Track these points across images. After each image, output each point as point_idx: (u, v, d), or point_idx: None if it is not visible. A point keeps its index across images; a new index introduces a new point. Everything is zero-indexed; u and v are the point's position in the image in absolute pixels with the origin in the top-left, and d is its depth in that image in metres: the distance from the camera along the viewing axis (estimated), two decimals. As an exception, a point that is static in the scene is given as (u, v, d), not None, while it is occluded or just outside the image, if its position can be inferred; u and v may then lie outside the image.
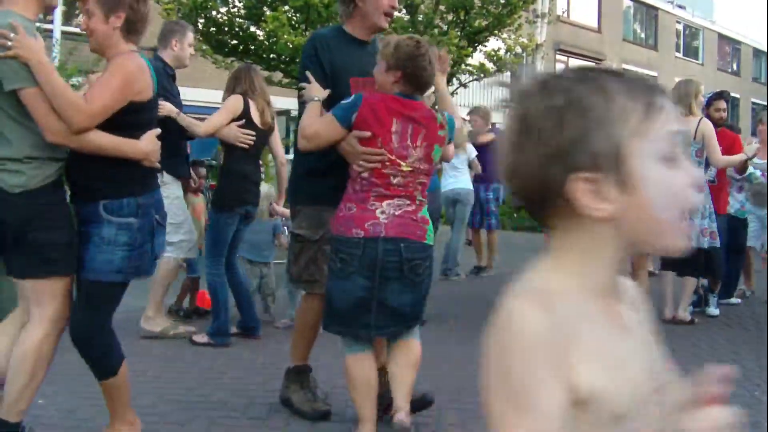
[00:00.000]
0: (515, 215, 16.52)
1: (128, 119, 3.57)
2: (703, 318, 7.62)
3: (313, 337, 4.59)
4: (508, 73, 22.11)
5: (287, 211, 7.48)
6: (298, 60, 13.77)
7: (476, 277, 10.29)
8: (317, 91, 4.14)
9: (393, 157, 3.86)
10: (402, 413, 3.99)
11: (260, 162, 6.54)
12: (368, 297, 3.87)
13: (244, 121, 6.07)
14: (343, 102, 3.97)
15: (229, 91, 6.28)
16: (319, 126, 4.00)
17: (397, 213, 3.88)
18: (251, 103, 6.16)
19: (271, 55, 14.44)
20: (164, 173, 5.80)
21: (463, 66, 14.83)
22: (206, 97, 16.21)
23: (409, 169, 3.90)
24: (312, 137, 4.03)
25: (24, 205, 3.44)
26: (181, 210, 6.16)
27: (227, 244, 6.29)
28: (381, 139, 3.86)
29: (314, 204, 4.35)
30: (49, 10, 3.81)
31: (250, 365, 5.65)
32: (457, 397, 4.79)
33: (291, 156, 8.49)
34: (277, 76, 14.90)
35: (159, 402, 4.64)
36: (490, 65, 15.78)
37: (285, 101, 22.39)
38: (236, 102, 6.12)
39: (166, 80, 5.82)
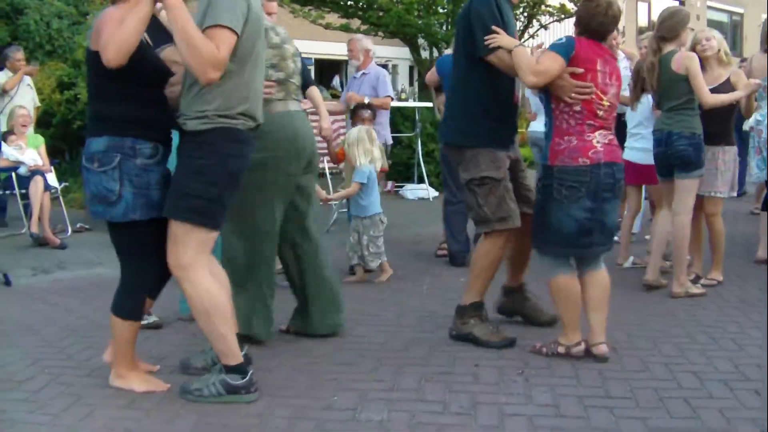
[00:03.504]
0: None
1: None
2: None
3: (495, 273, 4.97)
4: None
5: None
6: (375, 6, 13.75)
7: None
8: (512, 39, 4.65)
9: (598, 92, 4.46)
10: (603, 346, 4.58)
11: None
12: (591, 218, 4.48)
13: None
14: (558, 43, 4.55)
15: None
16: (548, 63, 4.47)
17: (606, 141, 4.51)
18: None
19: (349, 2, 14.33)
20: None
21: (543, 7, 14.52)
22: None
23: (608, 103, 4.53)
24: (542, 73, 4.46)
25: None
26: None
27: None
28: (590, 75, 4.46)
29: (488, 145, 4.78)
30: None
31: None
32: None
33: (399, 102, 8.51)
34: (355, 23, 14.81)
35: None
36: (570, 5, 15.42)
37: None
38: None
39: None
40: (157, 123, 3.98)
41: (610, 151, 4.50)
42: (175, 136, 4.08)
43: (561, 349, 4.60)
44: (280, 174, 4.70)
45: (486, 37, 4.64)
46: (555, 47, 4.52)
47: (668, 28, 5.98)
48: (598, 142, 4.47)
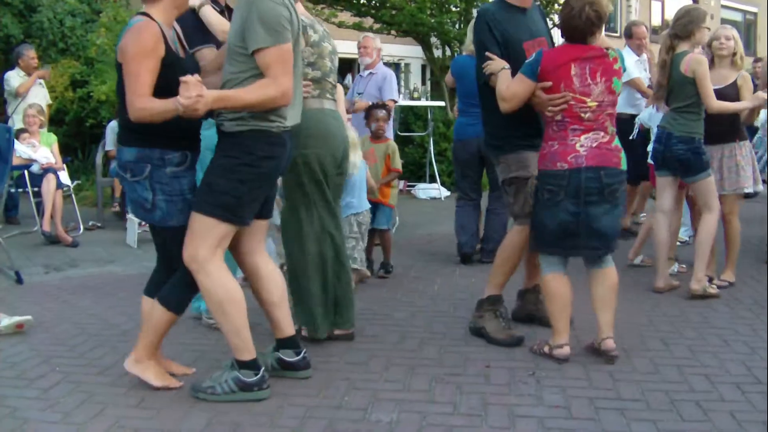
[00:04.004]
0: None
1: None
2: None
3: (516, 266, 5.05)
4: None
5: None
6: (388, 5, 13.75)
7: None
8: (501, 63, 4.71)
9: (578, 96, 4.43)
10: (610, 341, 4.54)
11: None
12: (575, 221, 4.46)
13: None
14: (527, 62, 4.59)
15: None
16: (515, 87, 4.57)
17: (594, 145, 4.46)
18: None
19: (362, 1, 14.34)
20: None
21: (555, 6, 14.50)
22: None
23: (595, 103, 4.46)
24: (511, 98, 4.60)
25: None
26: None
27: None
28: (563, 84, 4.44)
29: (517, 150, 4.83)
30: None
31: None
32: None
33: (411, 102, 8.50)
34: (368, 21, 14.82)
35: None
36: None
37: (375, 47, 22.39)
38: None
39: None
40: (184, 131, 3.97)
41: (596, 155, 4.45)
42: (205, 138, 4.14)
43: (546, 349, 4.62)
44: (315, 173, 4.72)
45: (482, 65, 4.78)
46: (522, 68, 4.59)
47: (682, 27, 5.95)
48: (581, 146, 4.45)
